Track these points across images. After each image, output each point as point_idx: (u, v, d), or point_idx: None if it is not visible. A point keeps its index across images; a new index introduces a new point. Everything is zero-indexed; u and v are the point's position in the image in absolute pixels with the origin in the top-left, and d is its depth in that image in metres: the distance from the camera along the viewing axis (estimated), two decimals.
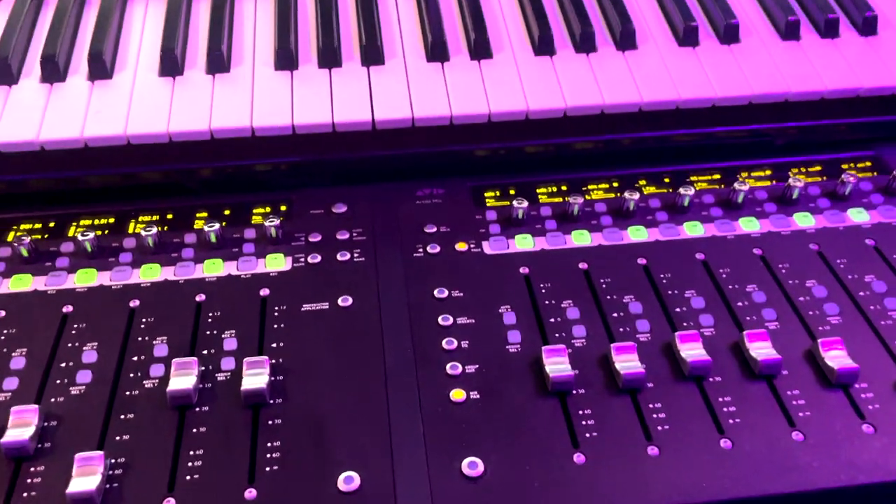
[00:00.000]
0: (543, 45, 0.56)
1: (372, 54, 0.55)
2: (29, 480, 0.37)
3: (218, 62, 0.53)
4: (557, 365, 0.40)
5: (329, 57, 0.54)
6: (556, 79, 0.54)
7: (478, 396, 0.40)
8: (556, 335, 0.43)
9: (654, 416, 0.39)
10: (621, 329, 0.43)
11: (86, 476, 0.36)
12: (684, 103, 0.53)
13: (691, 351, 0.41)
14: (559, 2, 0.59)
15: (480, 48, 0.56)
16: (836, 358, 0.41)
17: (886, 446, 0.38)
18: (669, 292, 0.45)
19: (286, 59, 0.54)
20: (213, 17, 0.56)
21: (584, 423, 0.39)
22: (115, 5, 0.56)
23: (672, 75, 0.54)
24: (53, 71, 0.52)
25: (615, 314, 0.44)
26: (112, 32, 0.55)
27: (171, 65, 0.53)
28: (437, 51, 0.55)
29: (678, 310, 0.45)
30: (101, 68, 0.52)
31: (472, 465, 0.37)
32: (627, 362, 0.41)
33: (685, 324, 0.44)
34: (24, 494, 0.36)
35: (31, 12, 0.56)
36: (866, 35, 0.57)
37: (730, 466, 0.37)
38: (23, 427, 0.37)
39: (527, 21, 0.58)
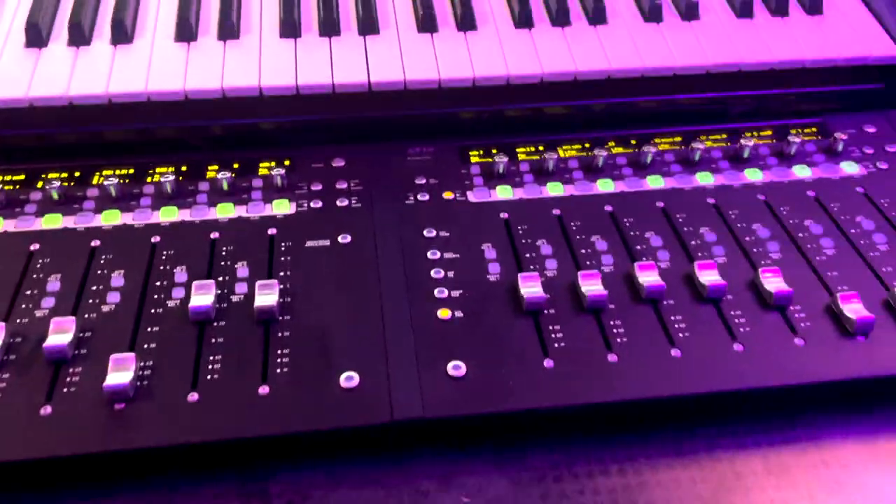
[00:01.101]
0: (523, 18, 0.62)
1: (368, 25, 0.61)
2: (68, 379, 0.42)
3: (229, 29, 0.59)
4: (531, 288, 0.46)
5: (329, 26, 0.60)
6: (534, 49, 0.60)
7: (462, 315, 0.46)
8: (531, 267, 0.49)
9: (615, 331, 0.45)
10: (588, 263, 0.49)
11: (120, 372, 0.41)
12: (648, 71, 0.59)
13: (648, 278, 0.47)
14: None
15: (466, 21, 0.61)
16: (774, 283, 0.47)
17: (813, 355, 0.44)
18: (631, 233, 0.51)
19: (291, 27, 0.60)
20: None
21: (553, 336, 0.45)
22: None
23: (638, 47, 0.60)
24: (79, 35, 0.57)
25: (583, 251, 0.50)
26: (132, 2, 0.60)
27: (187, 31, 0.58)
28: (427, 23, 0.61)
29: (638, 247, 0.50)
30: (122, 33, 0.58)
31: (455, 367, 0.43)
32: (592, 286, 0.46)
33: (644, 258, 0.50)
34: (64, 391, 0.41)
35: None
36: (812, 14, 0.63)
37: (678, 371, 0.43)
38: (62, 334, 0.43)
39: None
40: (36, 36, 0.57)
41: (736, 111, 0.61)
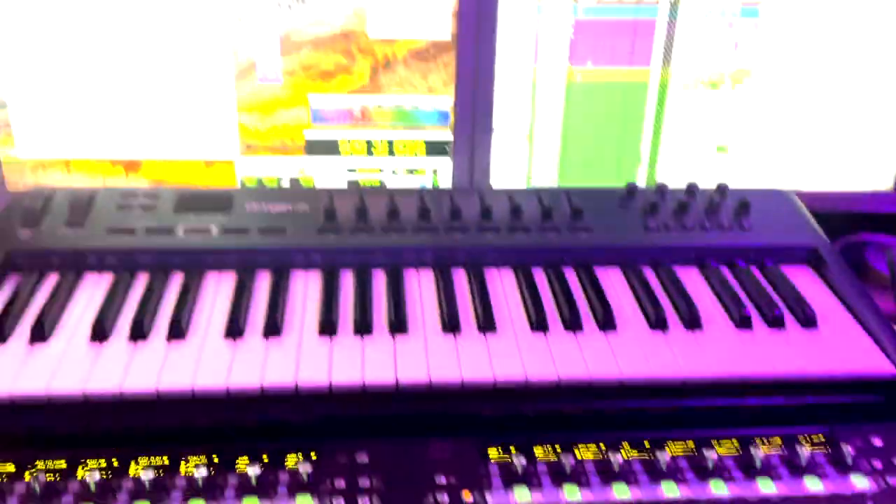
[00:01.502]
0: (538, 323, 0.67)
1: (398, 325, 0.67)
2: None
3: (273, 328, 0.65)
4: None
5: (363, 327, 0.66)
6: (549, 353, 0.65)
7: None
8: None
9: None
10: None
11: None
12: (657, 381, 0.63)
13: None
14: (552, 291, 0.72)
15: (487, 323, 0.67)
16: None
17: None
18: None
19: (329, 326, 0.66)
20: (271, 292, 0.69)
21: None
22: (193, 283, 0.70)
23: (646, 355, 0.65)
24: (139, 332, 0.64)
25: None
26: (188, 303, 0.67)
27: (235, 329, 0.65)
28: (450, 324, 0.67)
29: None
30: (177, 331, 0.64)
31: None
32: None
33: None
34: None
35: (124, 285, 0.70)
36: (807, 328, 0.68)
37: None
38: None
39: (525, 304, 0.70)
40: (100, 331, 0.64)
41: (744, 418, 0.64)
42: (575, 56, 0.88)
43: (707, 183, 0.84)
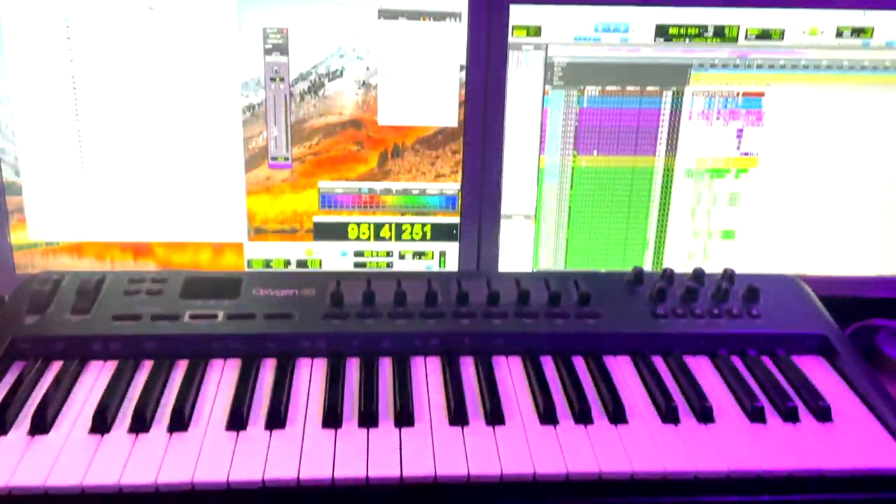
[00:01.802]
0: (547, 415, 0.66)
1: (404, 417, 0.66)
2: None
3: (276, 420, 0.64)
4: None
5: (368, 418, 0.65)
6: (558, 446, 0.63)
7: None
8: None
9: None
10: None
11: None
12: (669, 475, 0.61)
13: None
14: (561, 380, 0.71)
15: (495, 415, 0.66)
16: None
17: None
18: None
19: (332, 418, 0.65)
20: (276, 381, 0.68)
21: None
22: (197, 370, 0.69)
23: (658, 449, 0.63)
24: (140, 423, 0.63)
25: None
26: (192, 393, 0.67)
27: (238, 421, 0.64)
28: (458, 416, 0.66)
29: None
30: (179, 422, 0.63)
31: None
32: None
33: None
34: None
35: (127, 374, 0.69)
36: (823, 421, 0.67)
37: None
38: None
39: (534, 395, 0.69)
40: (101, 422, 0.63)
41: None
42: (581, 144, 0.90)
43: (713, 267, 0.84)
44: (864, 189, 0.92)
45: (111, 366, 0.71)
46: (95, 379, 0.69)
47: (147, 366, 0.71)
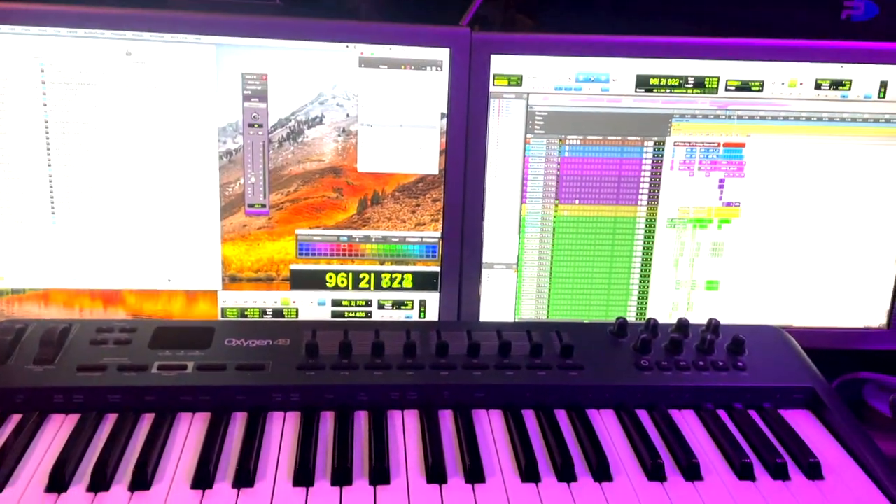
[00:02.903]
0: (529, 472, 0.64)
1: (379, 474, 0.63)
2: None
3: (244, 477, 0.61)
4: None
5: (342, 475, 0.62)
6: None
7: None
8: None
9: None
10: None
11: None
12: None
13: None
14: (543, 435, 0.69)
15: (474, 473, 0.63)
16: None
17: None
18: None
19: (304, 476, 0.62)
20: (245, 436, 0.65)
21: None
22: (163, 425, 0.66)
23: None
24: (100, 481, 0.59)
25: None
26: (156, 448, 0.63)
27: (204, 478, 0.60)
28: (435, 473, 0.63)
29: None
30: (142, 481, 0.60)
31: None
32: None
33: None
34: None
35: (90, 427, 0.66)
36: (813, 479, 0.65)
37: None
38: None
39: (515, 451, 0.66)
40: (58, 481, 0.59)
41: None
42: (563, 193, 0.89)
43: (697, 318, 0.83)
44: (847, 240, 0.92)
45: (73, 419, 0.67)
46: (55, 433, 0.66)
47: (111, 419, 0.68)
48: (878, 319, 0.95)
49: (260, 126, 0.85)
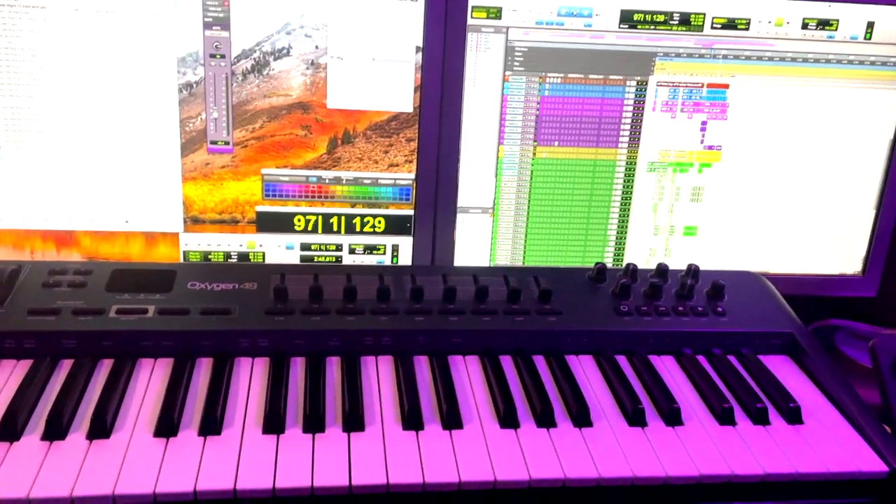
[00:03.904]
0: (508, 419, 0.62)
1: (353, 421, 0.60)
2: None
3: (211, 425, 0.58)
4: None
5: (314, 423, 0.60)
6: (520, 451, 0.59)
7: None
8: None
9: None
10: None
11: None
12: (638, 480, 0.57)
13: None
14: (522, 381, 0.67)
15: (452, 419, 0.61)
16: None
17: None
18: None
19: (274, 424, 0.59)
20: (211, 383, 0.62)
21: None
22: (123, 371, 0.63)
23: (625, 453, 0.59)
24: (55, 429, 0.56)
25: None
26: (116, 395, 0.60)
27: (167, 426, 0.57)
28: (412, 420, 0.61)
29: None
30: (100, 428, 0.56)
31: None
32: None
33: None
34: None
35: (43, 374, 0.62)
36: (793, 423, 0.64)
37: None
38: None
39: (493, 397, 0.64)
40: (10, 429, 0.56)
41: None
42: (541, 134, 0.86)
43: (675, 264, 0.81)
44: (826, 186, 0.91)
45: (25, 365, 0.63)
46: (6, 380, 0.62)
47: (66, 365, 0.64)
48: (853, 266, 0.94)
49: (222, 56, 0.79)
